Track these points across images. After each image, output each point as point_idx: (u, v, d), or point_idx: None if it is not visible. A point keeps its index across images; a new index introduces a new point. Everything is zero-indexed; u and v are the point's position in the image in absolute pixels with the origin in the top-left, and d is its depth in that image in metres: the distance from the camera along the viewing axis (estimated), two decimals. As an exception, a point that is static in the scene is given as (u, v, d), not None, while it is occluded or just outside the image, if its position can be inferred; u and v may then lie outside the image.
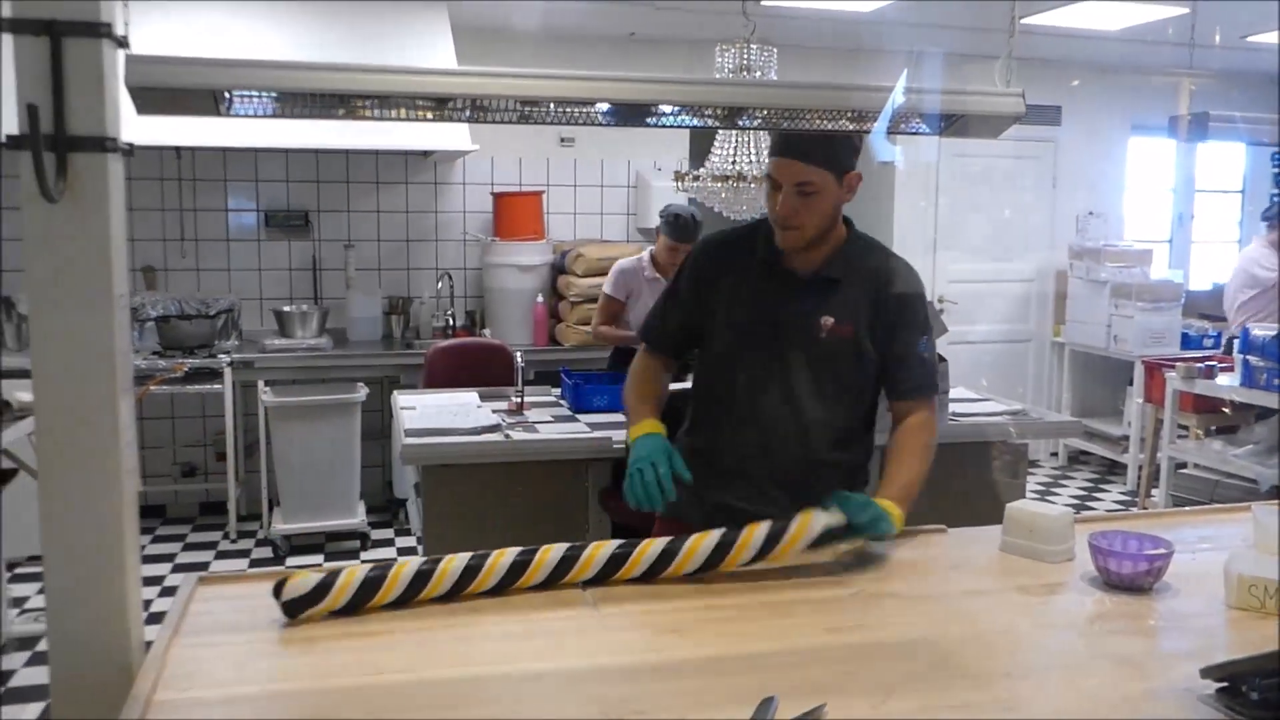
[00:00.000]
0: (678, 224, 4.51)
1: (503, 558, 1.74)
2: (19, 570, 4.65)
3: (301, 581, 1.64)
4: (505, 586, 1.74)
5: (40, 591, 4.48)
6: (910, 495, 2.08)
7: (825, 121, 1.88)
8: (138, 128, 1.59)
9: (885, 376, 2.28)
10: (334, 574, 1.66)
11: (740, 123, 1.85)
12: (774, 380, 2.24)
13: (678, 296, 2.37)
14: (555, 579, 1.76)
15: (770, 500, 2.18)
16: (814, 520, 1.84)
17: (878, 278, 2.25)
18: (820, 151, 2.13)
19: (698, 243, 2.42)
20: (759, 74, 4.16)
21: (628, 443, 2.24)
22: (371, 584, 1.66)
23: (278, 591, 1.62)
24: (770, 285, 2.26)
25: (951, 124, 1.94)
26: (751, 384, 2.25)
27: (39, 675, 3.75)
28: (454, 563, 1.72)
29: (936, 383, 2.30)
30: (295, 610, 1.62)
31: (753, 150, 4.48)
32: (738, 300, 2.27)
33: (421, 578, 1.69)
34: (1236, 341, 5.29)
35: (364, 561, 1.72)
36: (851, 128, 1.94)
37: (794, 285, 2.25)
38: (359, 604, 1.65)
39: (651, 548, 1.80)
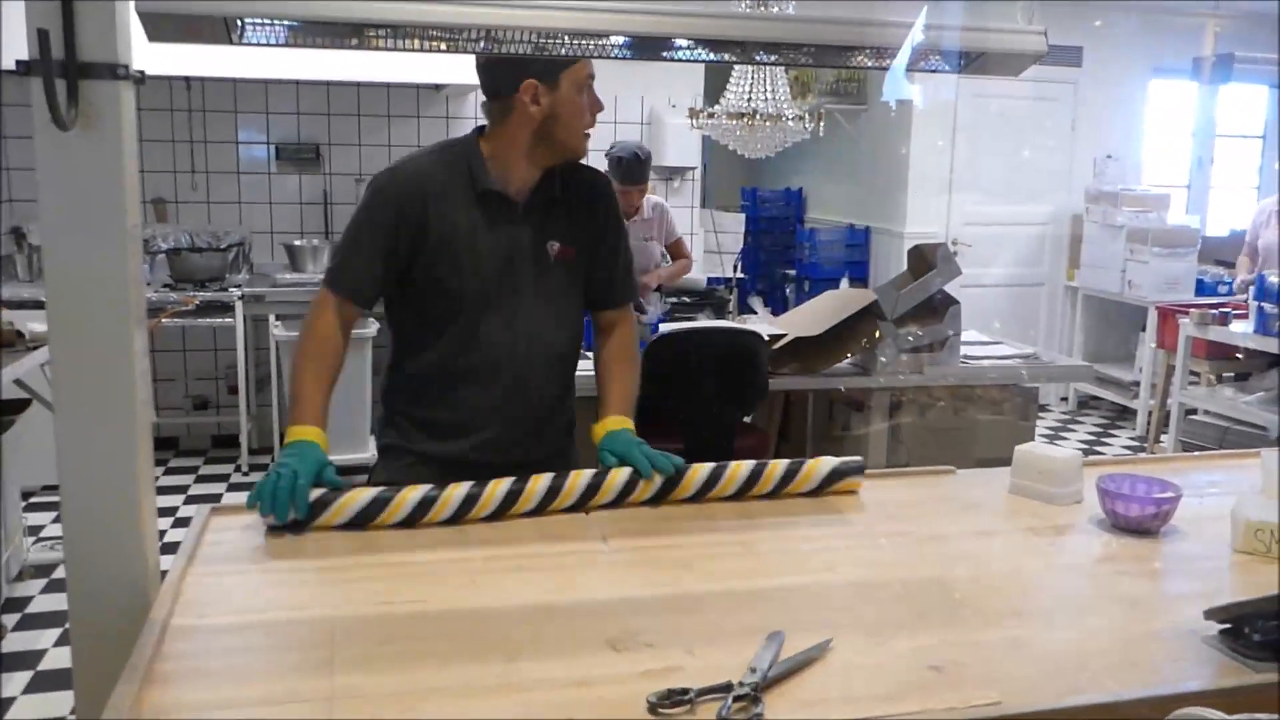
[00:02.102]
0: (622, 166, 4.37)
1: (500, 486, 1.80)
2: (34, 499, 4.71)
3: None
4: (503, 511, 1.80)
5: (56, 520, 4.54)
6: (633, 404, 2.11)
7: (843, 56, 1.85)
8: (148, 57, 1.58)
9: (595, 288, 2.17)
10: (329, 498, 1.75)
11: (757, 58, 1.82)
12: (513, 317, 2.05)
13: (378, 239, 2.00)
14: (548, 502, 1.82)
15: (517, 444, 2.09)
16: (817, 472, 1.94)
17: (586, 190, 2.12)
18: None
19: (389, 173, 2.04)
20: (776, 8, 4.10)
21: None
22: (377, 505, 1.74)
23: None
24: (491, 216, 2.02)
25: (971, 62, 1.90)
26: (489, 325, 2.04)
27: (55, 602, 3.81)
28: (457, 490, 1.78)
29: (636, 287, 2.29)
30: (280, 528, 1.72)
31: (769, 87, 4.43)
32: (466, 237, 2.01)
33: (426, 504, 1.76)
34: (1252, 288, 5.26)
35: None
36: (870, 64, 1.91)
37: (515, 212, 2.04)
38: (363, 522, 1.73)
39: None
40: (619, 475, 1.87)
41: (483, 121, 2.07)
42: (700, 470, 1.91)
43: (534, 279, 2.06)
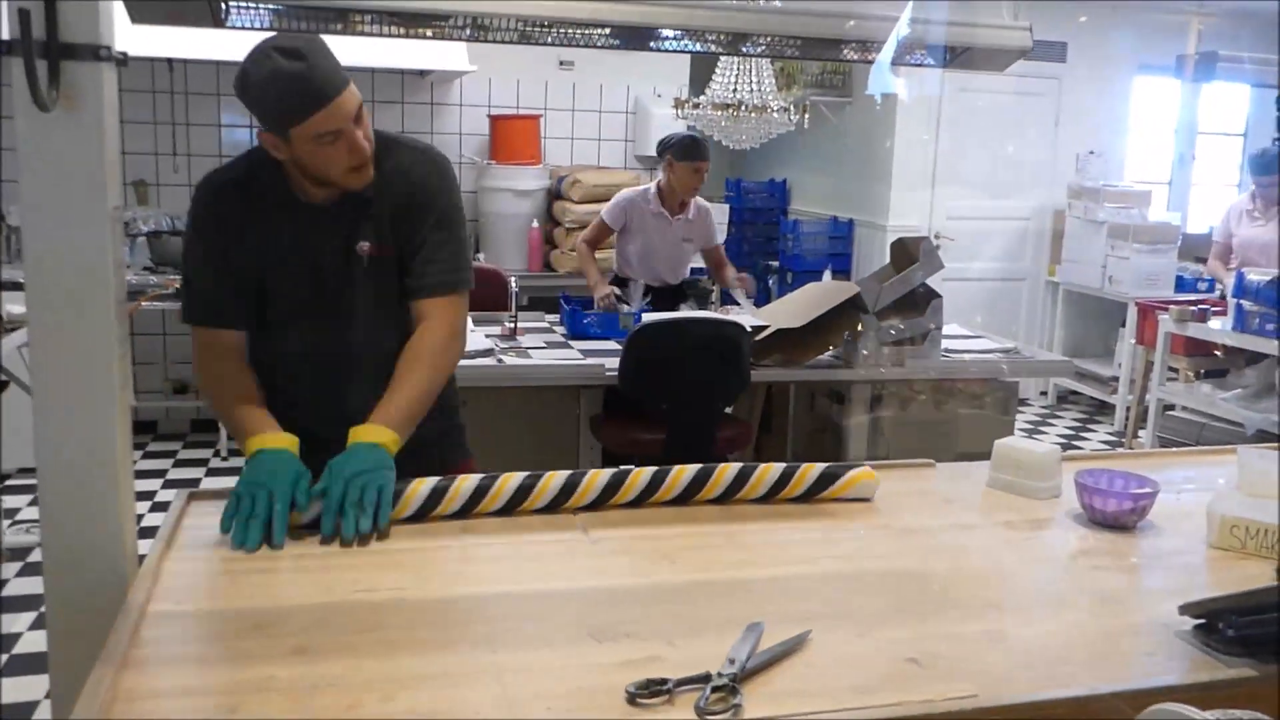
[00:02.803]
0: (694, 143, 4.36)
1: (510, 481, 1.77)
2: (11, 482, 4.68)
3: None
4: (512, 508, 1.77)
5: (32, 503, 4.51)
6: (414, 413, 1.87)
7: (829, 49, 1.86)
8: (129, 38, 1.56)
9: (407, 278, 1.99)
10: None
11: (743, 49, 1.82)
12: (329, 328, 1.97)
13: (209, 260, 1.92)
14: (558, 504, 1.79)
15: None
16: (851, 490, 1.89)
17: (397, 177, 1.95)
18: (337, 71, 1.79)
19: (199, 197, 1.94)
20: (763, 0, 4.10)
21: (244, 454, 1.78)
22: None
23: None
24: (293, 223, 1.93)
25: (957, 56, 1.91)
26: (307, 339, 1.97)
27: (30, 585, 3.78)
28: (465, 483, 1.75)
29: (463, 277, 2.02)
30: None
31: (754, 78, 4.43)
32: (274, 250, 1.93)
33: (436, 495, 1.73)
34: (1231, 285, 5.29)
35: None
36: (855, 57, 1.91)
37: (320, 218, 1.93)
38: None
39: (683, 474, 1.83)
40: (641, 474, 1.83)
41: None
42: (727, 471, 1.86)
43: (346, 283, 1.96)
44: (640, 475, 1.83)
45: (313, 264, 1.93)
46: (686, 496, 1.84)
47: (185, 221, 1.95)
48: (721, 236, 4.86)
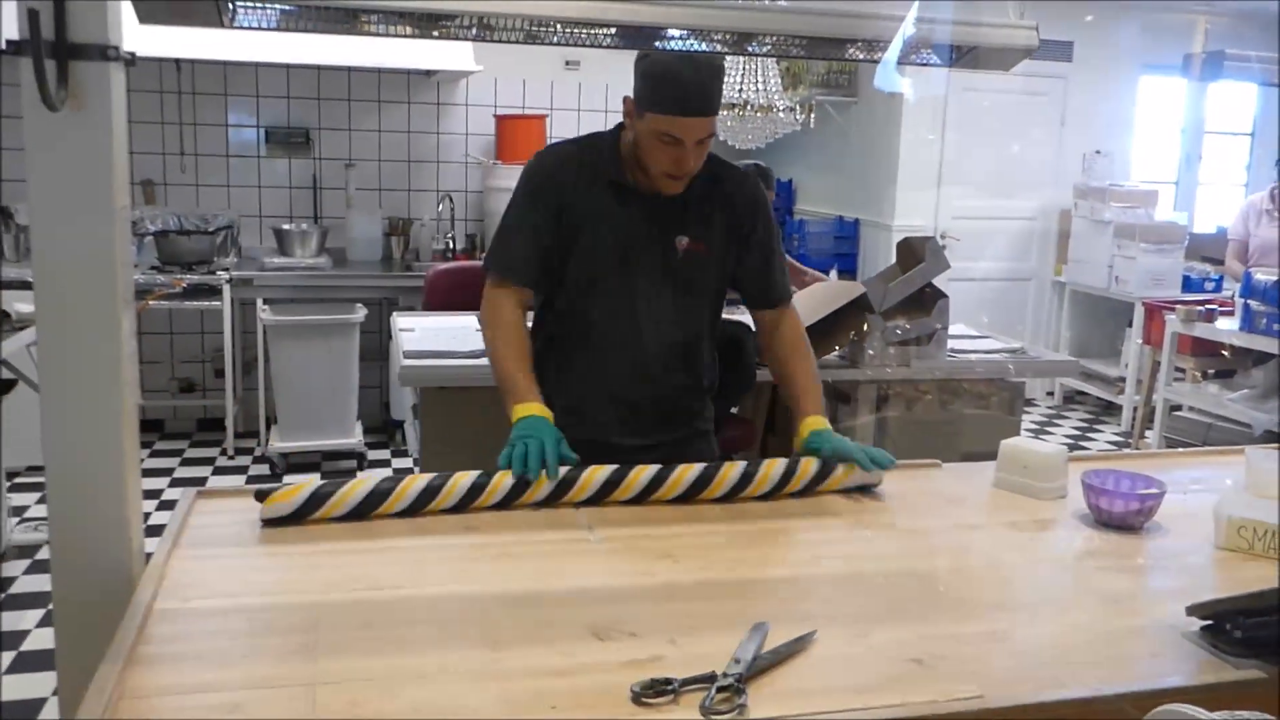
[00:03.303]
0: (761, 173, 4.30)
1: (506, 478, 1.80)
2: (19, 480, 4.69)
3: (292, 500, 1.69)
4: (510, 501, 1.79)
5: (40, 501, 4.53)
6: (822, 402, 2.13)
7: (835, 48, 1.85)
8: (138, 38, 1.57)
9: (748, 287, 2.24)
10: (329, 489, 1.71)
11: (749, 49, 1.82)
12: (637, 307, 2.13)
13: (531, 219, 2.11)
14: (557, 496, 1.82)
15: (644, 431, 2.18)
16: (851, 478, 1.94)
17: (728, 191, 2.16)
18: (718, 98, 2.04)
19: (535, 159, 2.16)
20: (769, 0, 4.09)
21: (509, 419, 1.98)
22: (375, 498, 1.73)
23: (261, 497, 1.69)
24: (624, 208, 2.10)
25: (963, 56, 1.91)
26: (615, 313, 2.13)
27: (38, 583, 3.80)
28: (462, 479, 1.78)
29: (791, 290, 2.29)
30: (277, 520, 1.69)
31: (760, 78, 4.42)
32: (594, 224, 2.10)
33: (429, 493, 1.76)
34: (1239, 285, 5.28)
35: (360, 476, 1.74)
36: (861, 57, 1.91)
37: (647, 206, 2.11)
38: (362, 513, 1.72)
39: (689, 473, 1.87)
40: (644, 473, 1.85)
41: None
42: (733, 470, 1.89)
43: (656, 271, 2.12)
44: (642, 473, 1.84)
45: (623, 245, 2.10)
46: (689, 496, 1.85)
47: (519, 180, 2.14)
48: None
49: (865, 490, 1.96)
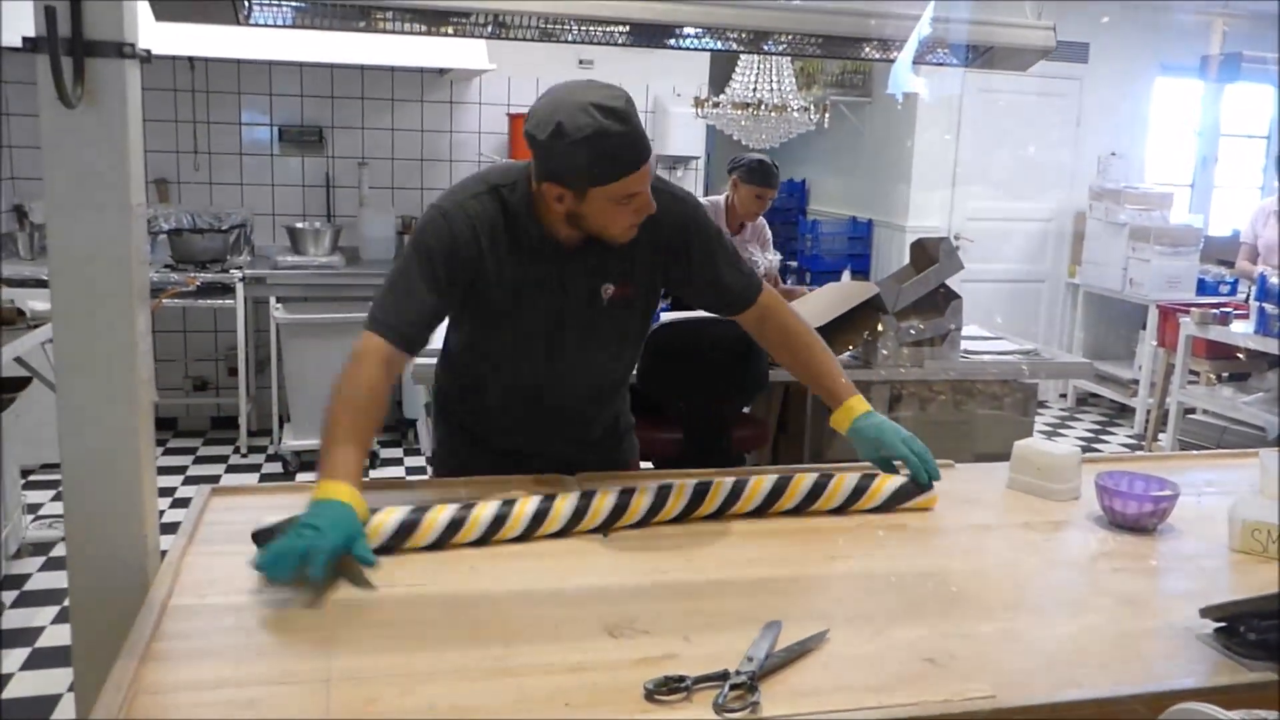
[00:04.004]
0: (763, 169, 4.31)
1: (528, 504, 1.70)
2: (34, 477, 4.71)
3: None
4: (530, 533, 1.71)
5: (55, 498, 4.55)
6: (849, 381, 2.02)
7: (850, 48, 1.85)
8: (152, 36, 1.57)
9: (710, 303, 2.06)
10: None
11: (764, 47, 1.82)
12: (563, 360, 1.98)
13: (431, 287, 1.84)
14: (572, 526, 1.72)
15: (575, 457, 2.07)
16: (888, 485, 1.89)
17: (654, 229, 1.90)
18: (645, 134, 1.82)
19: (437, 212, 1.87)
20: None
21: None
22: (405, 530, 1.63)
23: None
24: (541, 263, 1.89)
25: (979, 56, 1.90)
26: (541, 367, 1.98)
27: (52, 580, 3.81)
28: (485, 510, 1.68)
29: (760, 278, 2.09)
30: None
31: (774, 77, 4.42)
32: (517, 292, 1.90)
33: (454, 526, 1.66)
34: (1253, 289, 5.26)
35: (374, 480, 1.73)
36: (877, 56, 1.91)
37: (571, 258, 1.90)
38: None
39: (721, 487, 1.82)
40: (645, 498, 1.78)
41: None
42: (763, 483, 1.84)
43: (585, 323, 1.96)
44: (644, 497, 1.78)
45: (554, 304, 1.92)
46: (721, 511, 1.82)
47: (415, 234, 1.88)
48: (774, 255, 4.77)
49: (905, 499, 1.90)
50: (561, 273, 1.90)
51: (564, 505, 1.71)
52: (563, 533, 1.70)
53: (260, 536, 1.56)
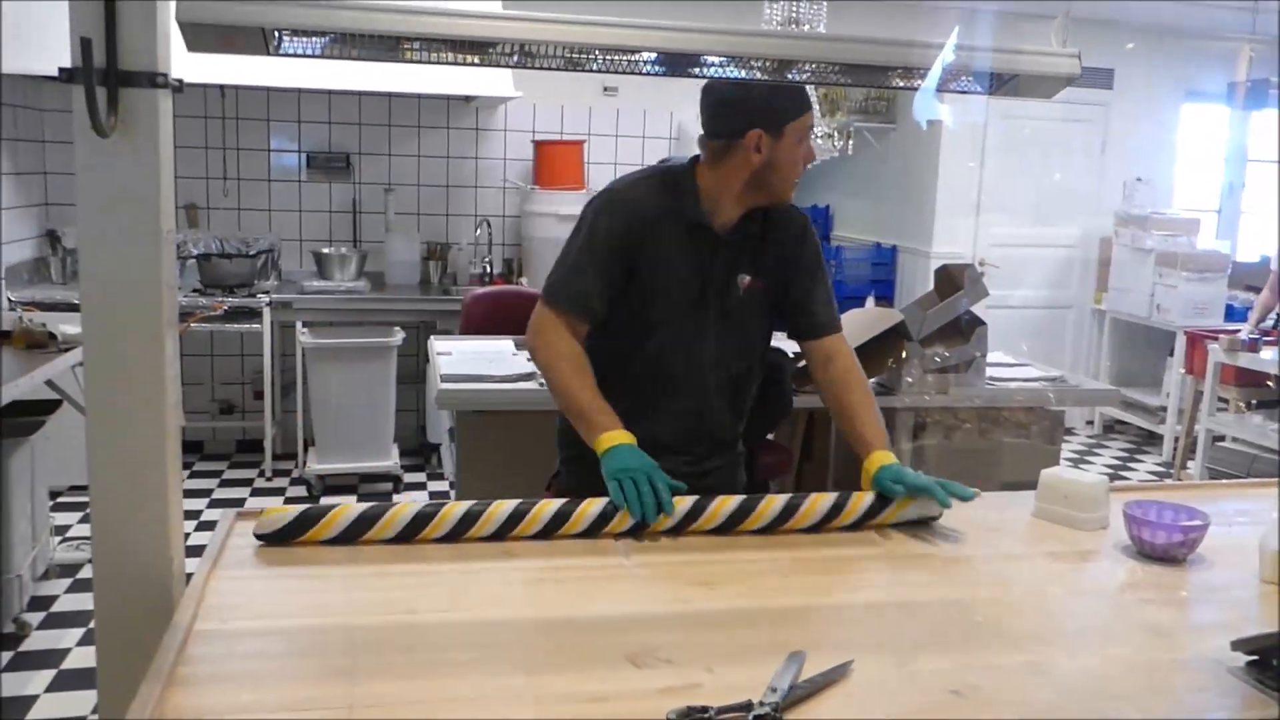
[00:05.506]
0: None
1: (547, 508, 1.78)
2: (62, 499, 4.75)
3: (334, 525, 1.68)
4: (550, 533, 1.78)
5: (82, 520, 4.58)
6: (886, 438, 2.10)
7: (873, 76, 1.85)
8: (183, 65, 1.60)
9: (799, 320, 2.24)
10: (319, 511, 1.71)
11: (789, 76, 1.82)
12: (701, 343, 2.16)
13: (602, 258, 2.09)
14: (597, 529, 1.80)
15: (698, 460, 2.21)
16: (906, 510, 1.91)
17: (783, 226, 2.20)
18: None
19: (608, 198, 2.14)
20: (807, 26, 4.11)
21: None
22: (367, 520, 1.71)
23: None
24: (695, 246, 2.12)
25: (1003, 84, 1.90)
26: (679, 349, 2.15)
27: (79, 602, 3.84)
28: (501, 508, 1.76)
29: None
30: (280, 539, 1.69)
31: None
32: (670, 268, 2.12)
33: (421, 519, 1.73)
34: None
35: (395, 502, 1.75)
36: (900, 84, 1.91)
37: (716, 245, 2.13)
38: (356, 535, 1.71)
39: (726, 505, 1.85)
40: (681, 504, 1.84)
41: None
42: (774, 502, 1.87)
43: (721, 309, 2.15)
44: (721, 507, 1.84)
45: (699, 286, 2.13)
46: (728, 527, 1.84)
47: (588, 215, 2.13)
48: None
49: (923, 523, 1.92)
50: (711, 258, 2.12)
51: (590, 509, 1.80)
52: (589, 532, 1.79)
53: (268, 536, 1.65)
